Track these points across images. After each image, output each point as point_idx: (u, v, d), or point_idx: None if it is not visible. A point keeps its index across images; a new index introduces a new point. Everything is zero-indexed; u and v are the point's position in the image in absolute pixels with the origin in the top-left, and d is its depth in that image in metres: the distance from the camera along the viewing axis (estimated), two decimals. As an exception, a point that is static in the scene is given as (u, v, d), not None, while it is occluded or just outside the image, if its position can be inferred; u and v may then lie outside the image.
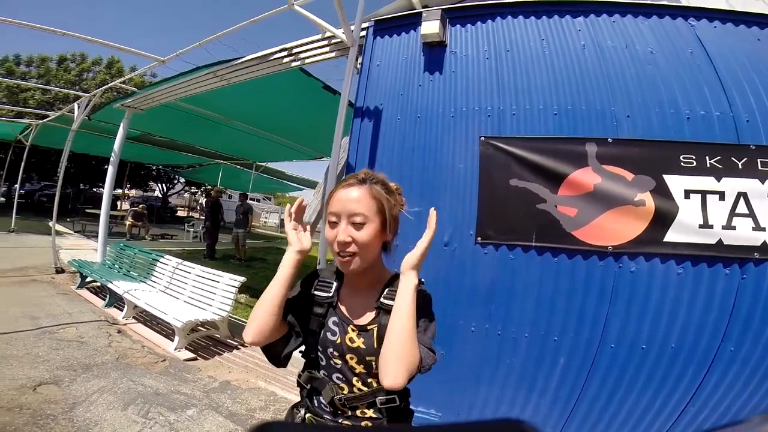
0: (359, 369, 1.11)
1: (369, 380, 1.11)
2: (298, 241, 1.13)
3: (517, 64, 2.87)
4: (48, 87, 14.08)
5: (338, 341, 1.12)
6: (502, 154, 2.69)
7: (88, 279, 5.99)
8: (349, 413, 1.12)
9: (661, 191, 2.40)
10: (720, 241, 2.31)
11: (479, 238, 2.70)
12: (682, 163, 2.40)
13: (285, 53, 4.06)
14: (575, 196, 2.52)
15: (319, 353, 1.16)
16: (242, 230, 9.86)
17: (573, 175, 2.53)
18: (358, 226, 1.06)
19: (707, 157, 2.38)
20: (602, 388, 2.51)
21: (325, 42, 3.77)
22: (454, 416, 2.79)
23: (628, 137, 2.54)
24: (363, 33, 3.41)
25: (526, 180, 2.61)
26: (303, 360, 1.24)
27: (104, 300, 5.33)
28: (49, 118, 9.22)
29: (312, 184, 16.12)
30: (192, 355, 3.99)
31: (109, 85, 7.08)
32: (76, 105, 7.14)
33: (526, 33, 2.94)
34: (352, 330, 1.12)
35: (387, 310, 1.08)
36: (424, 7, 3.29)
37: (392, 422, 1.13)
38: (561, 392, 2.58)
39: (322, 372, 1.16)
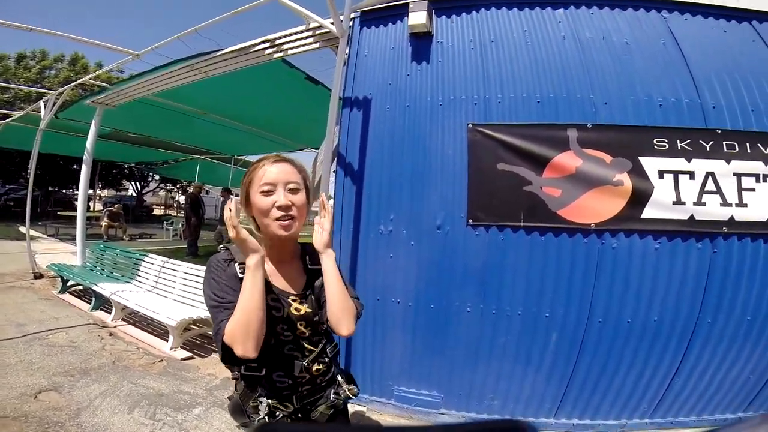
0: (307, 332, 1.26)
1: (315, 338, 1.29)
2: (257, 244, 1.15)
3: (501, 55, 3.05)
4: (8, 85, 13.56)
5: (285, 315, 1.23)
6: (489, 141, 2.89)
7: (70, 283, 5.97)
8: (308, 376, 1.27)
9: (638, 172, 2.66)
10: (692, 217, 2.60)
11: (470, 220, 2.89)
12: (655, 146, 2.67)
13: (267, 45, 4.07)
14: (559, 178, 2.75)
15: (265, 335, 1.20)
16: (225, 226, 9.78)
17: (556, 159, 2.75)
18: (294, 192, 1.20)
19: (678, 141, 2.66)
20: (594, 361, 2.76)
21: (309, 33, 3.80)
22: (456, 396, 2.98)
23: (606, 123, 2.77)
24: (350, 23, 3.47)
25: (513, 164, 2.82)
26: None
27: (90, 303, 5.35)
28: (12, 118, 8.94)
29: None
30: (188, 354, 4.06)
31: (80, 81, 6.95)
32: (42, 103, 6.97)
33: (509, 24, 3.11)
34: (293, 300, 1.25)
35: (316, 274, 1.31)
36: (409, -3, 3.37)
37: (337, 365, 1.40)
38: (556, 367, 2.82)
39: (271, 352, 1.21)
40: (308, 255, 1.36)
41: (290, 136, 8.84)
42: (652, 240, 2.65)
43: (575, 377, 2.79)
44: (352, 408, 2.47)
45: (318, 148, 7.11)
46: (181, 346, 4.17)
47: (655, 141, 2.66)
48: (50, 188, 21.09)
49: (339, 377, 1.37)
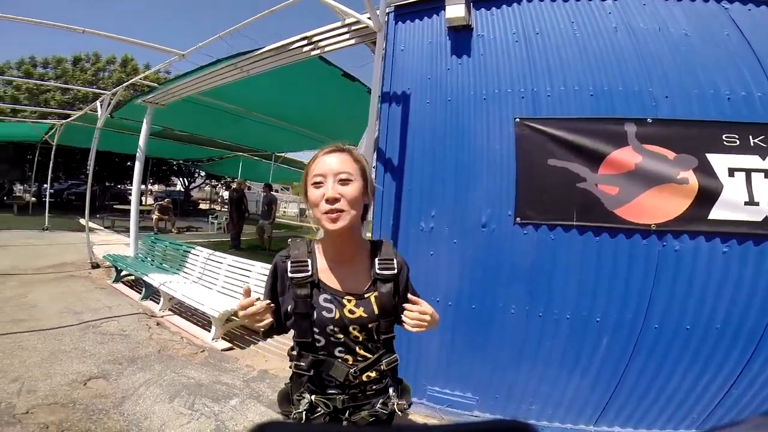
0: (362, 337, 1.18)
1: (370, 345, 1.21)
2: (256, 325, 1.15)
3: (548, 47, 2.83)
4: (68, 86, 14.29)
5: (336, 316, 1.15)
6: (539, 135, 2.68)
7: (123, 273, 6.14)
8: (356, 381, 1.19)
9: (704, 169, 2.38)
10: (766, 219, 2.29)
11: (518, 219, 2.71)
12: (724, 142, 2.38)
13: (305, 42, 4.01)
14: (616, 175, 2.51)
15: (315, 335, 1.18)
16: (267, 221, 9.99)
17: (613, 155, 2.51)
18: (345, 183, 1.10)
19: (751, 137, 2.36)
20: (645, 369, 2.53)
21: (345, 29, 3.72)
22: (492, 399, 2.82)
23: (669, 117, 2.51)
24: (385, 18, 3.35)
25: (565, 160, 2.60)
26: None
27: (140, 293, 5.47)
28: (72, 118, 9.37)
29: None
30: (229, 345, 4.06)
31: (131, 81, 7.09)
32: (98, 103, 7.18)
33: (555, 16, 2.89)
34: (349, 301, 1.17)
35: (383, 279, 1.19)
36: (445, -10, 3.21)
37: (393, 377, 1.28)
38: (603, 373, 2.61)
39: (321, 353, 1.19)
40: (377, 257, 1.23)
41: (327, 133, 8.82)
42: (720, 243, 2.37)
43: (623, 384, 2.58)
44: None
45: (355, 145, 7.06)
46: (222, 337, 4.18)
47: (724, 137, 2.37)
48: (107, 183, 22.14)
49: (391, 389, 1.27)
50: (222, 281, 4.89)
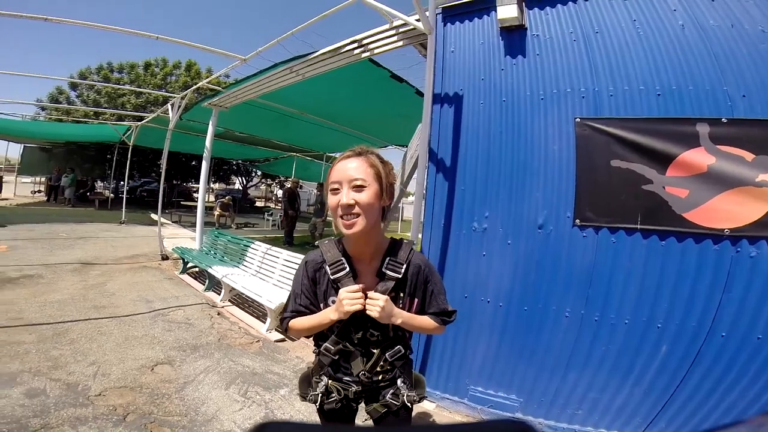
0: (375, 333, 1.26)
1: (382, 339, 1.28)
2: (342, 312, 1.17)
3: (609, 46, 2.67)
4: (142, 90, 15.29)
5: (355, 314, 1.20)
6: (601, 135, 2.54)
7: (189, 265, 6.50)
8: (369, 375, 1.28)
9: None
10: None
11: (578, 221, 2.59)
12: None
13: (355, 45, 4.03)
14: (686, 177, 2.32)
15: (352, 326, 1.25)
16: (320, 219, 10.21)
17: (683, 156, 2.32)
18: (359, 189, 1.14)
19: None
20: (705, 378, 2.34)
21: (393, 31, 3.69)
22: (536, 403, 2.73)
23: (746, 117, 2.28)
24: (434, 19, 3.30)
25: (630, 161, 2.44)
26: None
27: (203, 284, 5.76)
28: (146, 120, 10.04)
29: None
30: (281, 337, 4.15)
31: (199, 84, 7.40)
32: (169, 106, 7.58)
33: (615, 15, 2.72)
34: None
35: (386, 279, 1.24)
36: (494, -9, 3.10)
37: (403, 369, 1.33)
38: (658, 381, 2.45)
39: (345, 343, 1.27)
40: (391, 255, 1.27)
41: (376, 134, 8.88)
42: (803, 249, 2.12)
43: (678, 394, 2.39)
44: (418, 407, 2.39)
45: (404, 146, 7.02)
46: (276, 329, 4.31)
47: None
48: (174, 181, 23.64)
49: (399, 380, 1.33)
50: (278, 275, 5.03)
